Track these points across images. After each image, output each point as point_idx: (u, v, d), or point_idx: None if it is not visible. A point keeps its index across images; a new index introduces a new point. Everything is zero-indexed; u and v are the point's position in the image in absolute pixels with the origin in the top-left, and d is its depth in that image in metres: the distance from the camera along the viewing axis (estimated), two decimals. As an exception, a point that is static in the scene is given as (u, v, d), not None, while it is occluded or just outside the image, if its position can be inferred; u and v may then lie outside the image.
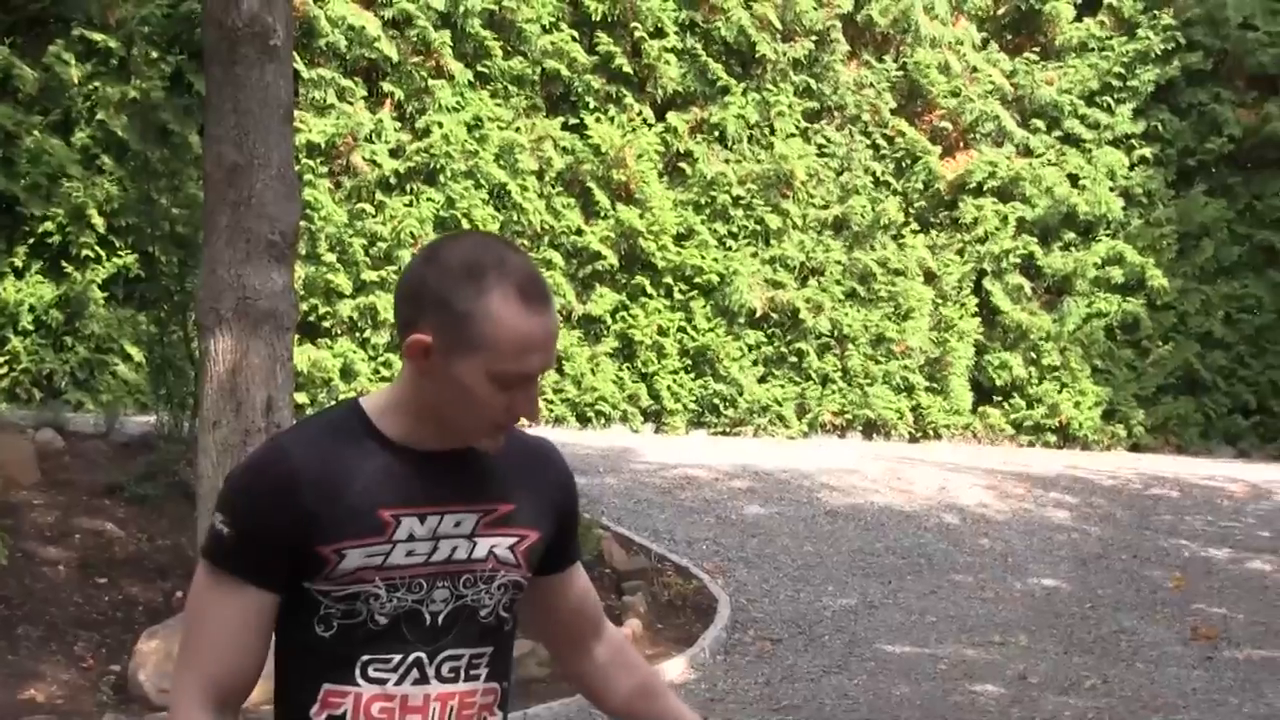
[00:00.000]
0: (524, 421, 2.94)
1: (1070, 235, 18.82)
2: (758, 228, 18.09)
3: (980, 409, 18.57)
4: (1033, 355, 18.55)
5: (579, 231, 17.53)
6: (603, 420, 17.63)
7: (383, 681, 2.89)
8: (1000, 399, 18.63)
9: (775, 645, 10.30)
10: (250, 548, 2.85)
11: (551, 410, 17.33)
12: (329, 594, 2.86)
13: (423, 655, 2.92)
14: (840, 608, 11.36)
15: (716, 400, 17.91)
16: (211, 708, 2.87)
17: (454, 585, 2.93)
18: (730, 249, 17.99)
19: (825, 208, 18.39)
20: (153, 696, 8.74)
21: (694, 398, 17.90)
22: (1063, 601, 11.62)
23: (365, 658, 2.88)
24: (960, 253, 18.63)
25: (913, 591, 11.70)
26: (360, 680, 2.89)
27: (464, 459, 2.94)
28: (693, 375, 17.93)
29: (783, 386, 18.10)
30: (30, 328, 14.92)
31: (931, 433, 18.37)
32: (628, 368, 17.81)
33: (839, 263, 18.24)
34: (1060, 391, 18.54)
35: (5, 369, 14.83)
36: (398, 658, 2.90)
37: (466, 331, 2.77)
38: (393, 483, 2.89)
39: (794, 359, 18.15)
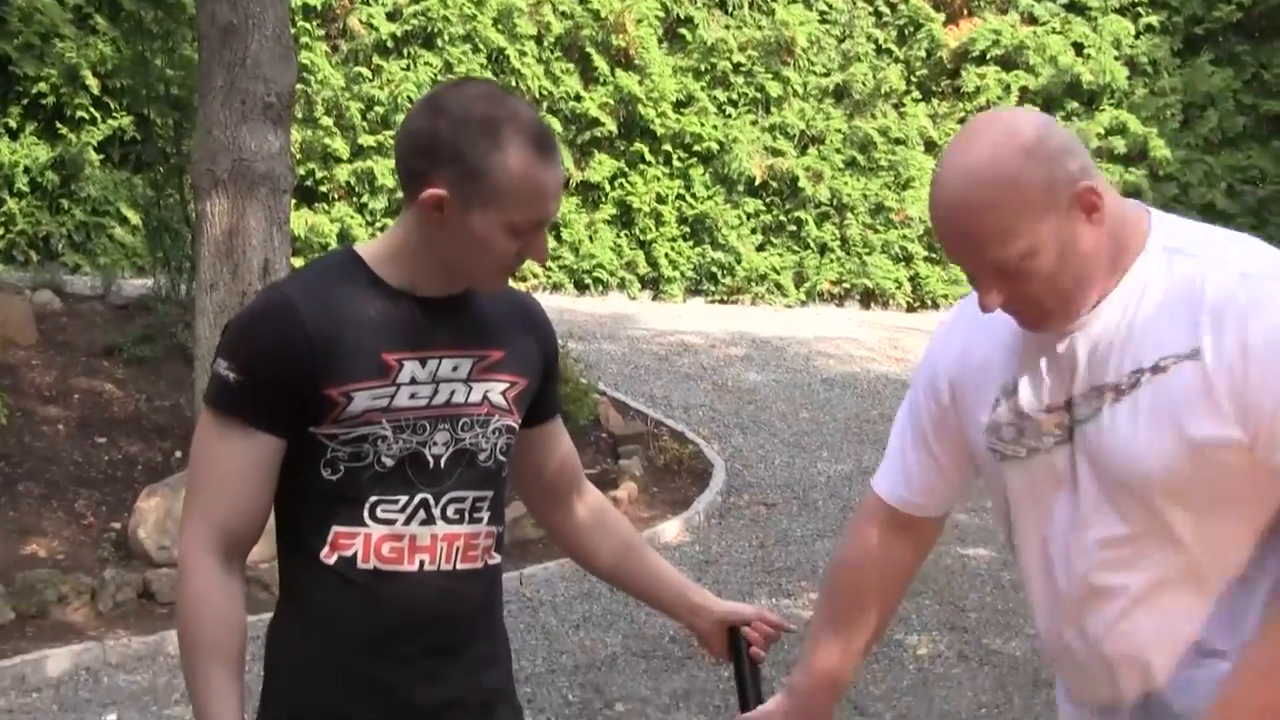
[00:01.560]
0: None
1: (1074, 105, 18.81)
2: (758, 95, 18.08)
3: (980, 279, 18.58)
4: (1034, 225, 18.56)
5: (577, 98, 17.51)
6: (600, 287, 17.67)
7: (391, 522, 2.95)
8: (1000, 269, 18.63)
9: (769, 510, 10.42)
10: (256, 392, 2.90)
11: (549, 277, 17.36)
12: (336, 437, 2.91)
13: (428, 497, 2.97)
14: (835, 473, 11.49)
15: (714, 268, 17.95)
16: (220, 554, 2.90)
17: (453, 429, 2.99)
18: (730, 116, 17.99)
19: (826, 75, 18.39)
20: (153, 553, 8.83)
21: (691, 265, 17.94)
22: (1057, 469, 11.61)
23: (373, 499, 2.93)
24: (962, 122, 18.61)
25: (908, 458, 11.70)
26: (369, 521, 2.95)
27: (459, 306, 3.01)
28: (691, 243, 17.96)
29: (781, 255, 18.13)
30: (26, 189, 14.87)
31: (930, 302, 18.43)
32: (626, 235, 17.82)
33: (839, 131, 18.25)
34: (1060, 262, 18.55)
35: (2, 231, 14.79)
36: (404, 499, 2.96)
37: (484, 185, 2.83)
38: (394, 327, 2.95)
39: (792, 227, 18.17)
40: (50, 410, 10.34)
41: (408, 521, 2.97)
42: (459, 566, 3.01)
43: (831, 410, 13.13)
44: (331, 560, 2.96)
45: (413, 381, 2.96)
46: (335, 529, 2.95)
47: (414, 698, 2.99)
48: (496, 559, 3.10)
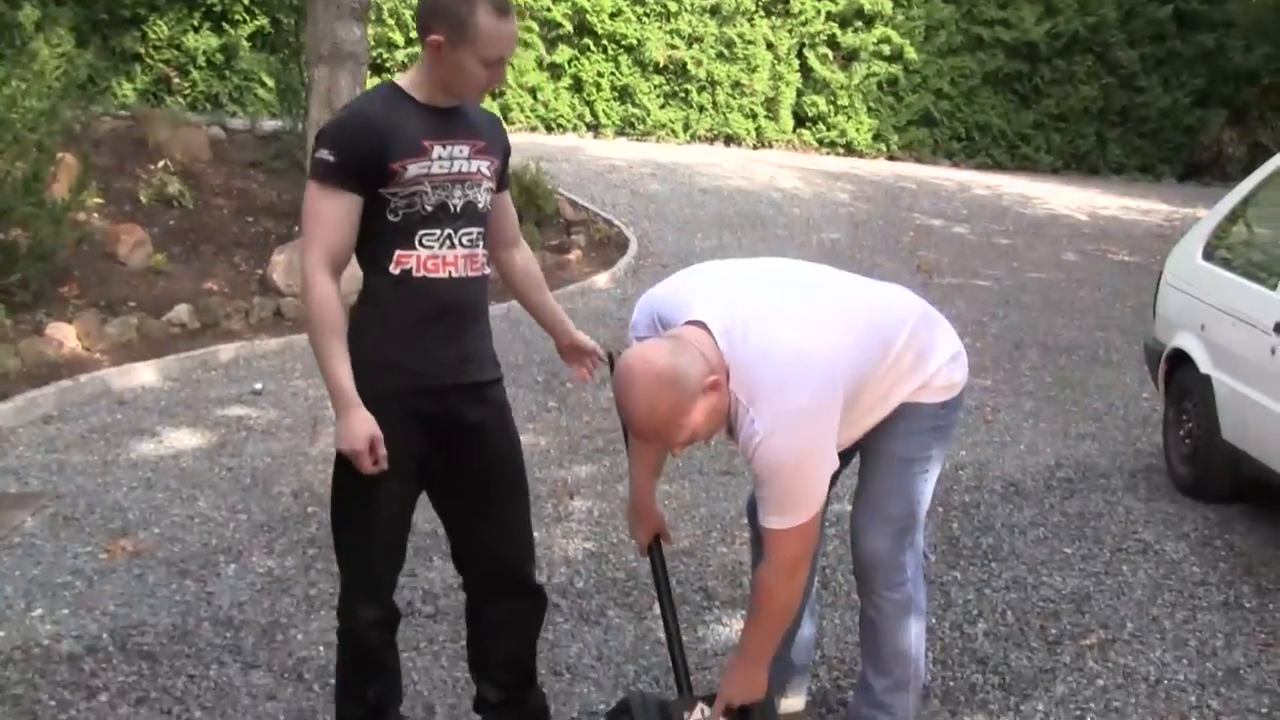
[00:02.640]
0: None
1: (859, 23, 18.52)
2: (662, 10, 17.74)
3: (798, 130, 18.47)
4: (832, 98, 18.43)
5: (547, 9, 17.13)
6: (560, 129, 17.41)
7: (431, 247, 3.06)
8: (811, 124, 18.53)
9: (664, 268, 10.43)
10: (346, 165, 2.97)
11: (526, 121, 17.13)
12: (397, 194, 3.01)
13: (451, 231, 3.07)
14: (706, 246, 11.50)
15: (634, 119, 17.71)
16: (329, 268, 2.99)
17: (464, 188, 3.09)
18: (644, 23, 17.67)
19: (706, -1, 18.09)
20: (282, 288, 8.87)
21: (620, 117, 17.69)
22: (843, 248, 11.76)
23: (420, 233, 3.04)
24: (790, 31, 18.36)
25: (750, 238, 11.82)
26: (418, 246, 3.05)
27: (460, 113, 3.11)
28: (619, 102, 17.69)
29: (675, 112, 17.90)
30: (204, 65, 14.72)
31: (767, 144, 18.27)
32: (578, 97, 17.54)
33: (713, 34, 17.95)
34: (848, 121, 18.47)
35: (189, 90, 14.67)
36: (438, 232, 3.04)
37: (465, 33, 2.94)
38: (426, 125, 3.05)
39: (683, 95, 17.92)
40: (219, 200, 10.25)
41: (441, 246, 3.06)
42: (469, 274, 3.12)
43: (704, 208, 13.11)
44: (396, 272, 3.05)
45: (440, 158, 3.04)
46: (398, 252, 3.03)
47: (443, 353, 3.10)
48: (488, 270, 3.20)
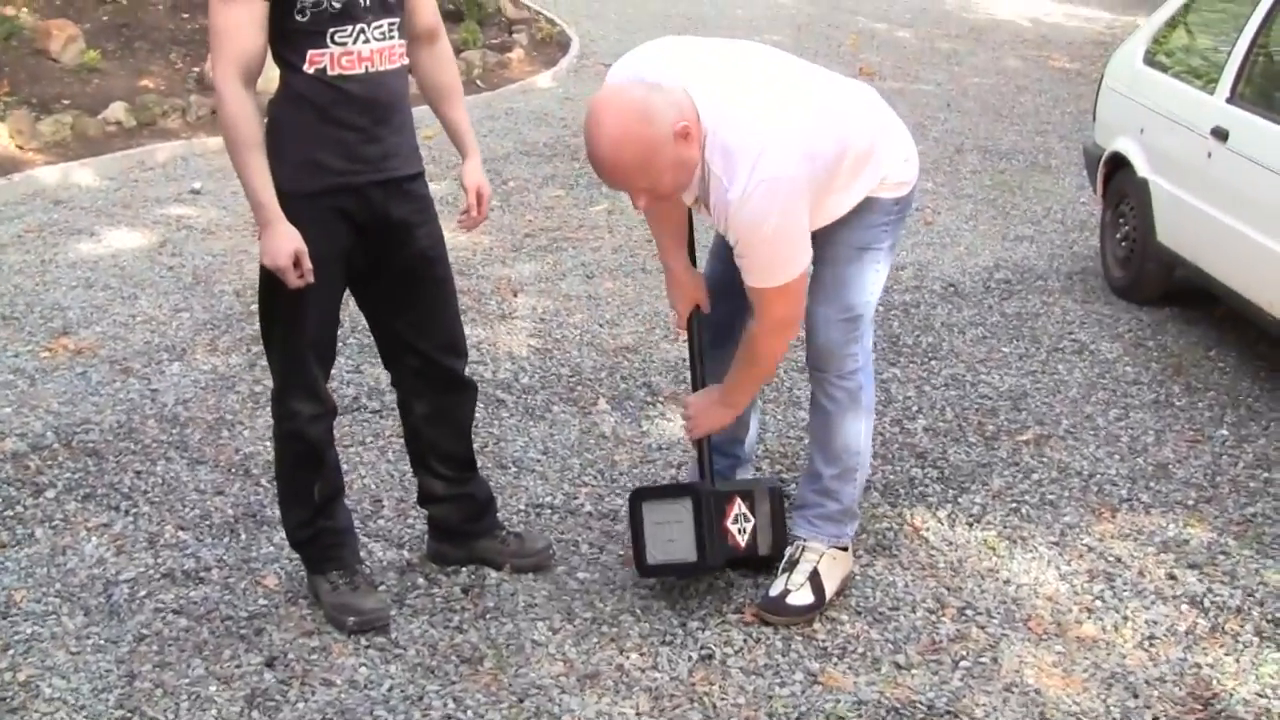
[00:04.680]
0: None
1: None
2: None
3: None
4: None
5: None
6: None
7: (344, 43, 2.95)
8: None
9: (606, 68, 10.16)
10: None
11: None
12: None
13: (364, 26, 2.97)
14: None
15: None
16: (241, 78, 2.87)
17: None
18: None
19: None
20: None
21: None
22: (785, 51, 11.47)
23: (331, 30, 2.95)
24: None
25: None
26: (330, 44, 2.94)
27: None
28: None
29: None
30: None
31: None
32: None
33: None
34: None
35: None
36: (350, 28, 2.97)
37: None
38: None
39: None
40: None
41: (355, 42, 2.94)
42: (386, 67, 3.01)
43: (647, 8, 12.79)
44: (310, 71, 2.94)
45: None
46: (310, 51, 2.92)
47: (364, 150, 3.02)
48: (406, 61, 3.08)
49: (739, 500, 3.40)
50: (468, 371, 3.43)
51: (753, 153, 2.87)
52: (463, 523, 3.53)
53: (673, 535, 3.32)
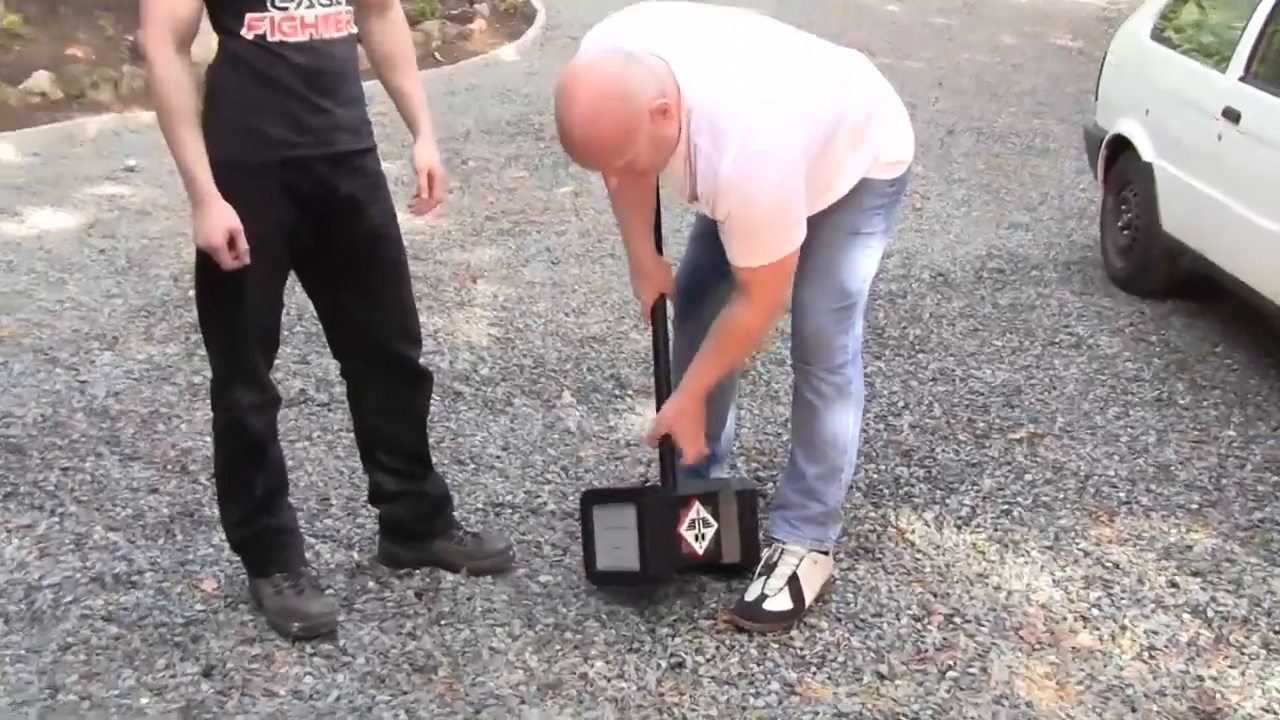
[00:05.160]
0: None
1: None
2: None
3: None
4: None
5: None
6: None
7: (285, 7, 2.95)
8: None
9: (574, 41, 10.14)
10: None
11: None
12: None
13: None
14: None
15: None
16: (173, 43, 2.87)
17: None
18: None
19: None
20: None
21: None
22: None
23: None
24: None
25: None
26: (270, 7, 2.94)
27: None
28: None
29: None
30: None
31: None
32: None
33: None
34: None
35: None
36: None
37: None
38: None
39: None
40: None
41: (297, 7, 2.94)
42: (332, 34, 3.01)
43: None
44: (250, 36, 2.94)
45: None
46: (249, 15, 2.92)
47: (309, 121, 3.02)
48: (354, 29, 3.09)
49: (697, 504, 3.41)
50: (423, 361, 3.44)
51: (742, 127, 2.87)
52: (416, 522, 3.54)
53: (619, 542, 3.34)
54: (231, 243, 2.93)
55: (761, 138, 2.88)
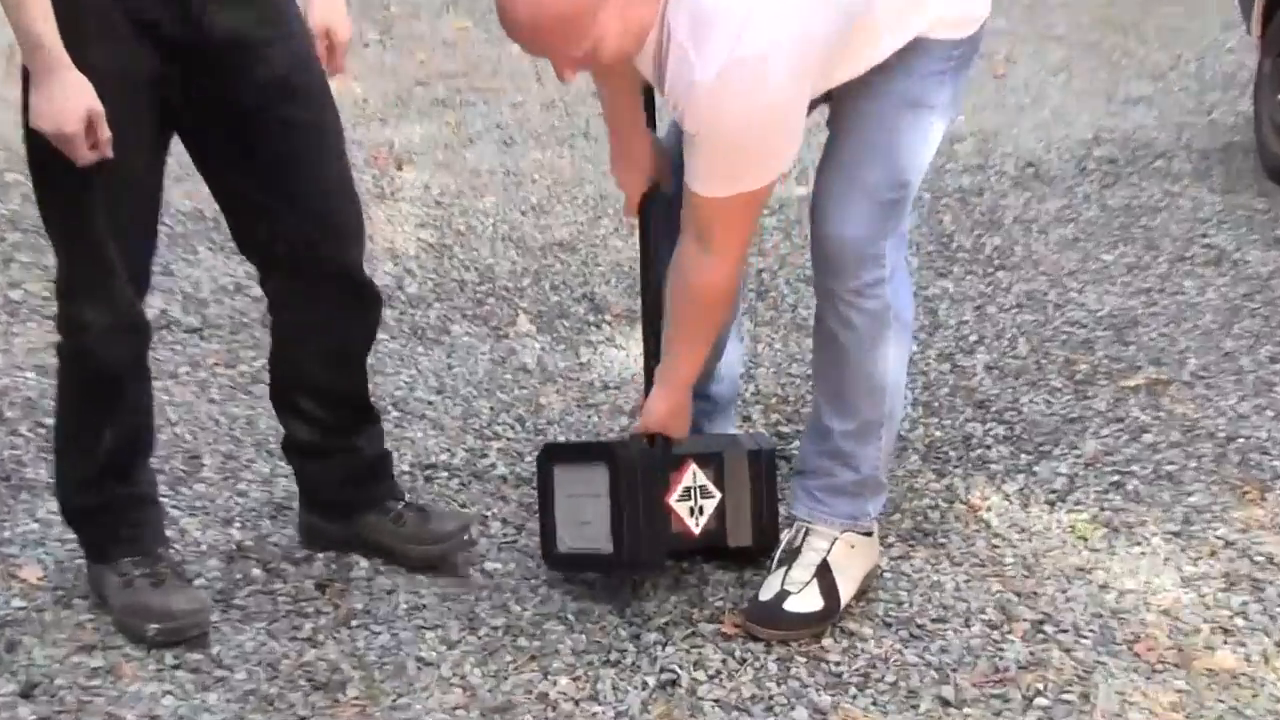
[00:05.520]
0: None
1: None
2: None
3: None
4: None
5: None
6: None
7: None
8: None
9: None
10: None
11: None
12: None
13: None
14: None
15: None
16: None
17: None
18: None
19: None
20: None
21: None
22: None
23: None
24: None
25: None
26: None
27: None
28: None
29: None
30: None
31: None
32: None
33: None
34: None
35: None
36: None
37: None
38: None
39: None
40: None
41: None
42: None
43: None
44: None
45: None
46: None
47: None
48: None
49: (694, 468, 3.38)
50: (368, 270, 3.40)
51: (736, 19, 2.81)
52: (341, 487, 3.52)
53: (588, 515, 3.31)
54: (89, 128, 2.86)
55: (757, 38, 2.81)
